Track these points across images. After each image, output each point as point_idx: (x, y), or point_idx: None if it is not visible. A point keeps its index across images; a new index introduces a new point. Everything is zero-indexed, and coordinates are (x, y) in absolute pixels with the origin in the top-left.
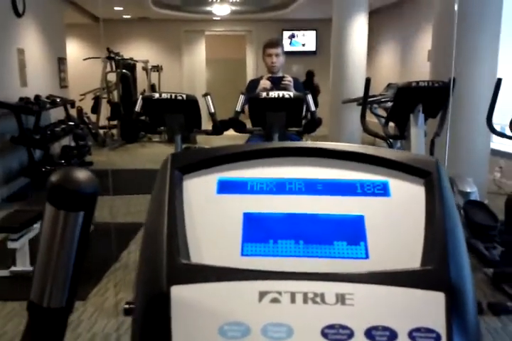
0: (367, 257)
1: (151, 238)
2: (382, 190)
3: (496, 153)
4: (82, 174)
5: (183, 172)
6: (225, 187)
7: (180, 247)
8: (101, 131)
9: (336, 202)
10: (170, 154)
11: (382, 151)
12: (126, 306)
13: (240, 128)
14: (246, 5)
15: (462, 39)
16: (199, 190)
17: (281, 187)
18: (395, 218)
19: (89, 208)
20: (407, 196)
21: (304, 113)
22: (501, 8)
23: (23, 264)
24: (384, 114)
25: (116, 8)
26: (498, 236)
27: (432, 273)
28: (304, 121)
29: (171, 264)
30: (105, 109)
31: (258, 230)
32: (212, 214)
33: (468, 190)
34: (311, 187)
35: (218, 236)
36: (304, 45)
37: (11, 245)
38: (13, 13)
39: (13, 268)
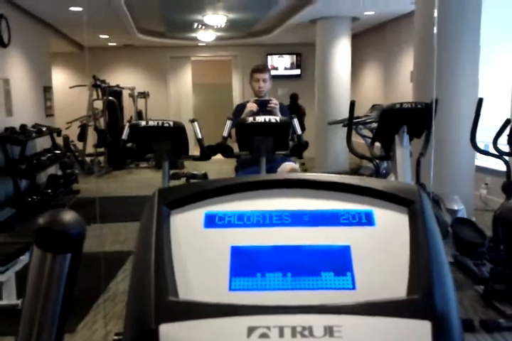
0: (354, 288)
1: (139, 275)
2: (367, 220)
3: (481, 170)
4: (68, 216)
5: (170, 208)
6: (212, 221)
7: (168, 284)
8: (88, 159)
9: (322, 232)
10: (157, 189)
11: (366, 181)
12: (116, 337)
13: (227, 153)
14: (231, 31)
15: (443, 61)
16: (186, 224)
17: (267, 219)
18: (380, 247)
19: (76, 250)
20: (392, 225)
21: (290, 136)
22: (479, 29)
23: (9, 298)
24: (369, 134)
25: (101, 36)
26: (487, 253)
27: (418, 302)
28: (291, 144)
29: (159, 302)
30: (92, 137)
31: (246, 264)
32: (200, 249)
33: (456, 208)
34: (297, 219)
35: (206, 270)
36: (288, 68)
37: None
38: None
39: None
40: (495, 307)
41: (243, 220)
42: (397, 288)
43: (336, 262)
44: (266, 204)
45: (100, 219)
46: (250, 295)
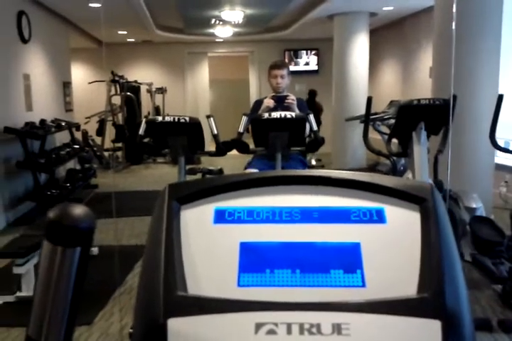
0: (363, 285)
1: (149, 270)
2: (378, 217)
3: (501, 167)
4: (78, 210)
5: (180, 203)
6: (222, 216)
7: (177, 279)
8: (106, 154)
9: (332, 229)
10: (167, 185)
11: (378, 178)
12: (132, 330)
13: (243, 149)
14: (248, 26)
15: (462, 56)
16: (196, 220)
17: (277, 215)
18: (391, 245)
19: (86, 243)
20: (403, 223)
21: (306, 132)
22: (501, 24)
23: (28, 290)
24: (387, 130)
25: (120, 32)
26: (506, 251)
27: (428, 300)
28: (307, 140)
29: (168, 297)
30: (110, 132)
31: (255, 260)
32: (210, 245)
33: (474, 206)
34: (307, 216)
35: (215, 266)
36: (306, 64)
37: (16, 270)
38: (19, 39)
39: (18, 294)
40: None
41: (253, 216)
42: (408, 287)
43: (346, 259)
44: (276, 201)
45: (118, 213)
46: (259, 291)
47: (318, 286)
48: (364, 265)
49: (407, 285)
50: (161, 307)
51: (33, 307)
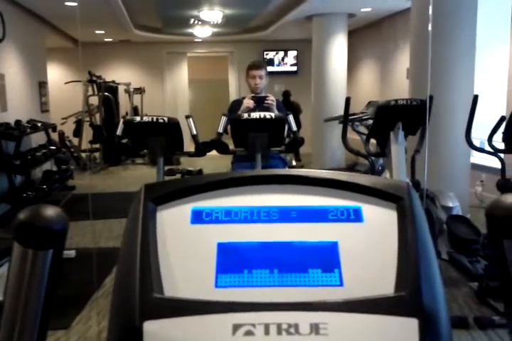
0: (341, 284)
1: (124, 272)
2: (355, 216)
3: (476, 167)
4: (50, 211)
5: (156, 204)
6: (199, 217)
7: (153, 281)
8: (83, 155)
9: (310, 228)
10: (143, 185)
11: (355, 177)
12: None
13: (222, 149)
14: (227, 27)
15: (438, 57)
16: (173, 220)
17: (255, 215)
18: (368, 244)
19: (58, 246)
20: (380, 221)
21: (286, 133)
22: (475, 26)
23: (2, 294)
24: (366, 131)
25: (97, 32)
26: (482, 249)
27: (405, 299)
28: (286, 141)
29: (144, 299)
30: (87, 133)
31: (232, 260)
32: (186, 245)
33: (451, 205)
34: (284, 215)
35: (192, 267)
36: (285, 65)
37: None
38: None
39: None
40: (489, 304)
41: (230, 216)
42: (385, 285)
43: (324, 259)
44: (253, 200)
45: (95, 215)
46: (236, 291)
47: (296, 286)
48: (342, 264)
49: (384, 283)
50: (136, 310)
51: (3, 312)
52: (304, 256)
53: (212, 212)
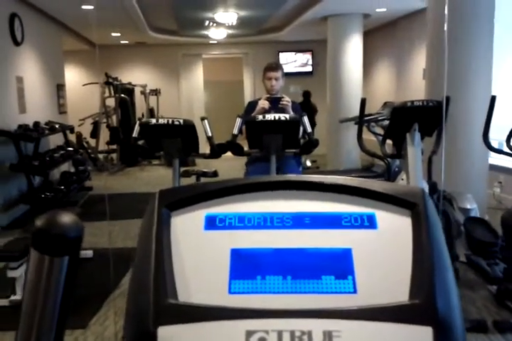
0: (355, 291)
1: (139, 277)
2: (369, 223)
3: (495, 168)
4: (66, 218)
5: (170, 209)
6: (213, 223)
7: (168, 286)
8: (100, 156)
9: (324, 235)
10: (158, 191)
11: (368, 183)
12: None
13: (237, 151)
14: (242, 28)
15: (455, 58)
16: (187, 226)
17: (268, 221)
18: (382, 250)
19: (74, 252)
20: (394, 228)
21: (300, 134)
22: (493, 26)
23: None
24: (382, 132)
25: (113, 34)
26: (500, 252)
27: (420, 307)
28: (301, 142)
29: (158, 304)
30: (104, 134)
31: (246, 266)
32: (200, 251)
33: (468, 207)
34: (298, 221)
35: (206, 273)
36: (300, 65)
37: (10, 274)
38: (11, 41)
39: (12, 298)
40: (508, 307)
41: (244, 222)
42: (399, 293)
43: (337, 265)
44: (267, 206)
45: (112, 215)
46: (250, 298)
47: (310, 293)
48: (355, 271)
49: (398, 291)
50: (151, 315)
51: (21, 317)
52: (318, 262)
53: (226, 218)
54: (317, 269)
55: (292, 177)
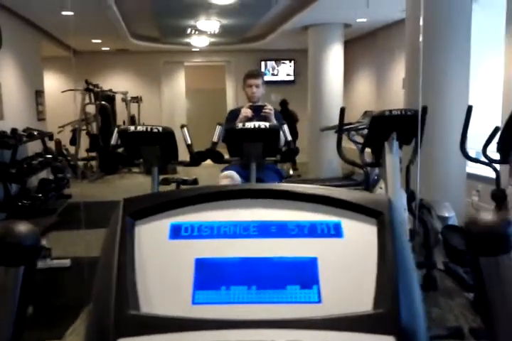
0: (319, 301)
1: (100, 287)
2: (335, 231)
3: (472, 177)
4: (22, 227)
5: (134, 218)
6: (178, 232)
7: (129, 297)
8: (80, 163)
9: (290, 244)
10: (122, 199)
11: (335, 192)
12: None
13: (217, 158)
14: (224, 36)
15: (433, 67)
16: (151, 235)
17: (234, 230)
18: (348, 259)
19: (30, 262)
20: (360, 237)
21: (282, 142)
22: (470, 36)
23: None
24: (362, 140)
25: (94, 41)
26: None
27: (383, 316)
28: (283, 149)
29: (119, 315)
30: (84, 141)
31: (210, 276)
32: (164, 261)
33: (446, 215)
34: (264, 230)
35: (169, 283)
36: (282, 74)
37: None
38: None
39: None
40: None
41: (209, 231)
42: (364, 302)
43: (303, 275)
44: (233, 215)
45: (91, 224)
46: (214, 308)
47: (274, 303)
48: (320, 280)
49: (363, 300)
50: (110, 326)
51: None
52: (283, 272)
53: (191, 227)
54: (282, 279)
55: (258, 185)
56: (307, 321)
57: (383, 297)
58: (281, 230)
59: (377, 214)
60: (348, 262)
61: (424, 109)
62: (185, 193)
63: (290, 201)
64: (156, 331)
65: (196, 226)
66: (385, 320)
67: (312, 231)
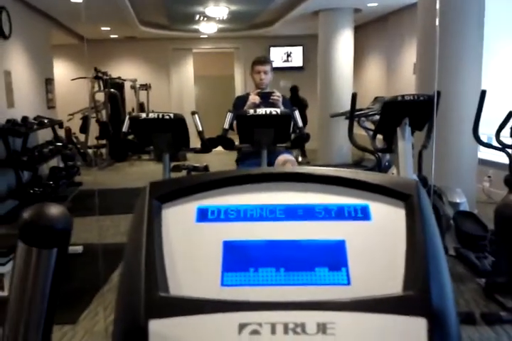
0: (348, 283)
1: (129, 271)
2: (363, 214)
3: (484, 162)
4: (54, 210)
5: (161, 202)
6: (204, 215)
7: (159, 279)
8: (90, 151)
9: (317, 227)
10: (148, 183)
11: (362, 175)
12: None
13: (228, 145)
14: (232, 23)
15: (446, 52)
16: (178, 219)
17: (261, 213)
18: (376, 242)
19: (62, 244)
20: (388, 219)
21: (292, 129)
22: (483, 20)
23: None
24: (372, 127)
25: (103, 29)
26: (489, 245)
27: (414, 298)
28: (292, 136)
29: (149, 297)
30: (94, 129)
31: (238, 259)
32: (192, 244)
33: (458, 201)
34: (291, 213)
35: (198, 266)
36: (291, 60)
37: None
38: None
39: (1, 294)
40: (496, 300)
41: (236, 214)
42: (393, 284)
43: (331, 257)
44: (259, 199)
45: (102, 211)
46: (242, 290)
47: (303, 285)
48: (349, 263)
49: (392, 282)
50: (141, 309)
51: (8, 310)
52: (311, 254)
53: (218, 210)
54: (310, 261)
55: (284, 169)
56: (337, 303)
57: (413, 279)
58: (308, 213)
59: (406, 197)
60: (376, 245)
61: (438, 94)
62: (211, 177)
63: (317, 184)
64: (186, 312)
65: (223, 209)
66: (416, 302)
67: (339, 214)
